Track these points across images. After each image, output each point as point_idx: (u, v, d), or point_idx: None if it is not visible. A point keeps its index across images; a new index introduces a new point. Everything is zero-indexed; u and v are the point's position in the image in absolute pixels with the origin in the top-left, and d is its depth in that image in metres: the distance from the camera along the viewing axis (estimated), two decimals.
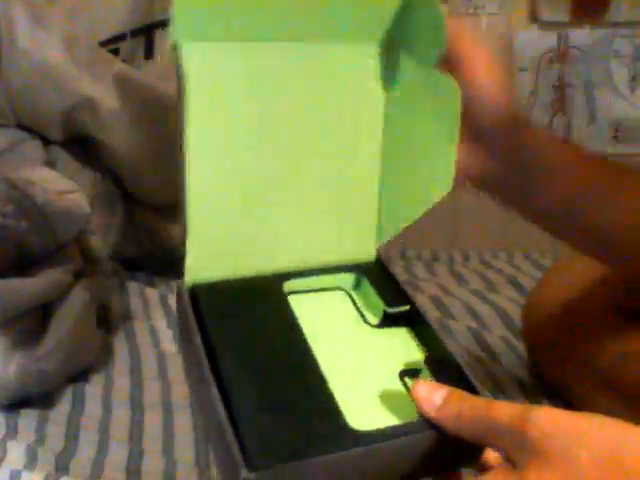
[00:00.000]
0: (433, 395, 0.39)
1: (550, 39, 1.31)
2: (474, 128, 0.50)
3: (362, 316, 0.48)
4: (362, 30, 0.46)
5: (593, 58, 1.31)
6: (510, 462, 0.36)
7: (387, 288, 0.48)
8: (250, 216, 0.46)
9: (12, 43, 0.99)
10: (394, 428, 0.39)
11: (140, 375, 0.78)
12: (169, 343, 0.86)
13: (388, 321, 0.47)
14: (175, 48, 0.44)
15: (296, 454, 0.36)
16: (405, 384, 0.43)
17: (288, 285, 0.48)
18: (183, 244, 0.45)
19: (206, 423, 0.41)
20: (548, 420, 0.35)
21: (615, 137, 1.33)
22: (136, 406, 0.72)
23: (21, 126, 1.03)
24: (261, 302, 0.45)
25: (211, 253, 0.46)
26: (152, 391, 0.75)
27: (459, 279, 1.08)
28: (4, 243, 0.76)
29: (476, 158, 0.52)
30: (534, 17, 1.30)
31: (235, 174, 0.46)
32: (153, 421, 0.70)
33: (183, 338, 0.45)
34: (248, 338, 0.42)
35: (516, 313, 0.88)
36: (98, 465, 0.62)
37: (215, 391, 0.38)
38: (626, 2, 1.27)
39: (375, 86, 0.48)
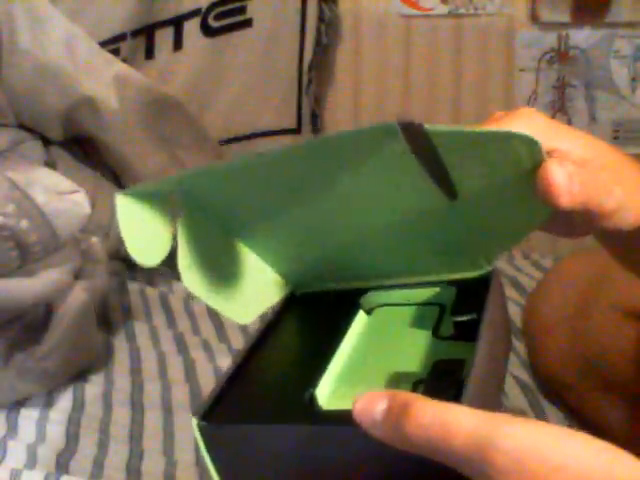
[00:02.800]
0: (372, 409, 0.32)
1: (550, 39, 1.31)
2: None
3: (436, 329, 0.45)
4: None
5: (593, 58, 1.31)
6: None
7: (469, 301, 0.44)
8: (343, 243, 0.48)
9: (13, 43, 0.99)
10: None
11: (140, 375, 0.78)
12: (169, 343, 0.86)
13: (461, 334, 0.43)
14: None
15: (241, 420, 0.39)
16: (414, 389, 0.40)
17: (378, 297, 0.49)
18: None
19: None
20: (519, 446, 0.29)
21: (616, 138, 1.33)
22: (136, 406, 0.72)
23: (22, 126, 1.03)
24: (333, 308, 0.48)
25: (310, 272, 0.50)
26: (152, 391, 0.75)
27: None
28: (5, 243, 0.76)
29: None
30: (534, 17, 1.30)
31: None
32: (153, 421, 0.70)
33: None
34: (297, 335, 0.48)
35: (516, 313, 0.88)
36: (98, 465, 0.62)
37: (239, 358, 0.43)
38: (626, 2, 1.27)
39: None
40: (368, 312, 0.49)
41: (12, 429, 0.68)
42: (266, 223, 0.48)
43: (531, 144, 0.36)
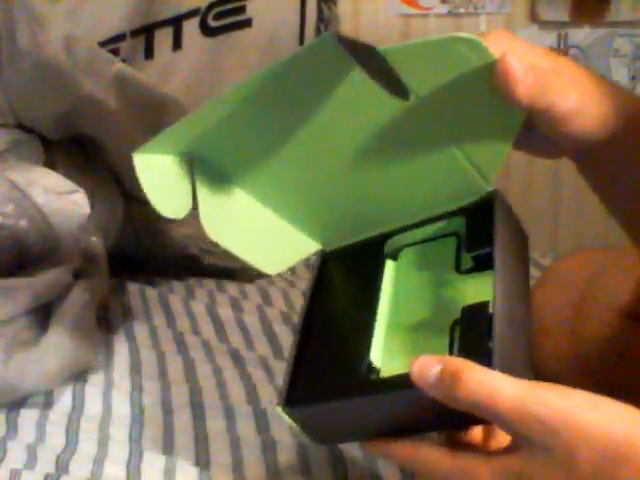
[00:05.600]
0: (427, 373, 0.38)
1: (550, 38, 1.31)
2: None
3: (457, 262, 0.49)
4: None
5: (593, 57, 1.31)
6: (516, 444, 0.37)
7: (480, 229, 0.47)
8: (353, 196, 0.52)
9: (12, 44, 0.99)
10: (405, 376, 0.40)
11: (140, 375, 0.78)
12: (169, 343, 0.86)
13: (481, 265, 0.46)
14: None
15: (318, 398, 0.46)
16: (452, 332, 0.44)
17: (400, 240, 0.52)
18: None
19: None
20: (552, 415, 0.35)
21: None
22: (136, 406, 0.72)
23: (21, 126, 1.03)
24: (362, 261, 0.53)
25: (334, 228, 0.54)
26: (152, 391, 0.75)
27: None
28: (4, 243, 0.76)
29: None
30: (534, 17, 1.30)
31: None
32: (153, 421, 0.70)
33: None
34: (339, 296, 0.52)
35: None
36: (98, 465, 0.62)
37: (296, 339, 0.50)
38: (626, 1, 1.27)
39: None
40: (394, 256, 0.53)
41: (12, 429, 0.68)
42: (279, 187, 0.52)
43: (472, 42, 0.40)
